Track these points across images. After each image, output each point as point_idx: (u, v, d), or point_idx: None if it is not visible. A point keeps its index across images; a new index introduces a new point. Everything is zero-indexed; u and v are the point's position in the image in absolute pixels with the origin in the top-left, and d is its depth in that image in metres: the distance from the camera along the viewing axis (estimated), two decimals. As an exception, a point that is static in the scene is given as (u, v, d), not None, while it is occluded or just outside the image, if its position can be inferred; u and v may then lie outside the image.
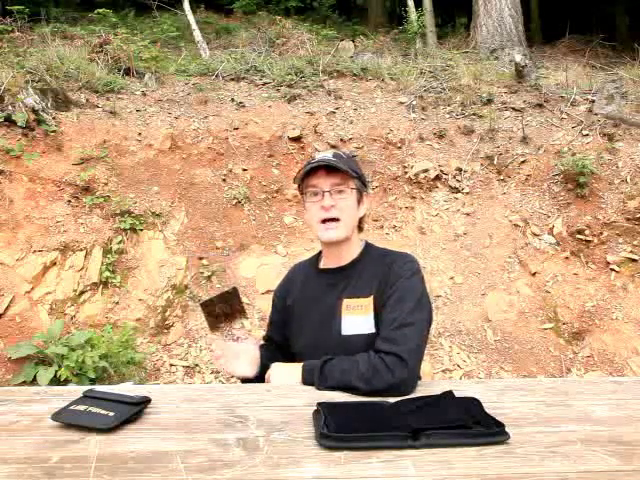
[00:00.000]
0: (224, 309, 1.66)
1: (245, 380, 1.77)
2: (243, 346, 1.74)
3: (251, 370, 1.73)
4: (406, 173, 5.78)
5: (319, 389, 1.47)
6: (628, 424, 1.19)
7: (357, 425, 1.15)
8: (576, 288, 4.85)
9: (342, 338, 1.63)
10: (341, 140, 5.98)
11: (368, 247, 1.79)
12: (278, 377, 1.60)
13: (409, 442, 1.09)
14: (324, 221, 1.66)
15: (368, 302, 1.65)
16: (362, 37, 9.15)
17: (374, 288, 1.65)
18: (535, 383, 1.71)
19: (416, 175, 5.72)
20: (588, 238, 5.07)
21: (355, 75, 7.12)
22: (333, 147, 5.88)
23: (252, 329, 4.44)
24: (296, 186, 1.76)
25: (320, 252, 1.85)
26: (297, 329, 1.79)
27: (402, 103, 6.52)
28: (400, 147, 5.98)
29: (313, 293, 1.76)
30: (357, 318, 1.64)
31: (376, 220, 5.49)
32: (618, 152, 5.57)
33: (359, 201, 1.73)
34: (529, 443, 1.10)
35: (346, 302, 1.67)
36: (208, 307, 1.66)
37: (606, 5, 11.48)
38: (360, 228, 1.79)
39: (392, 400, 1.31)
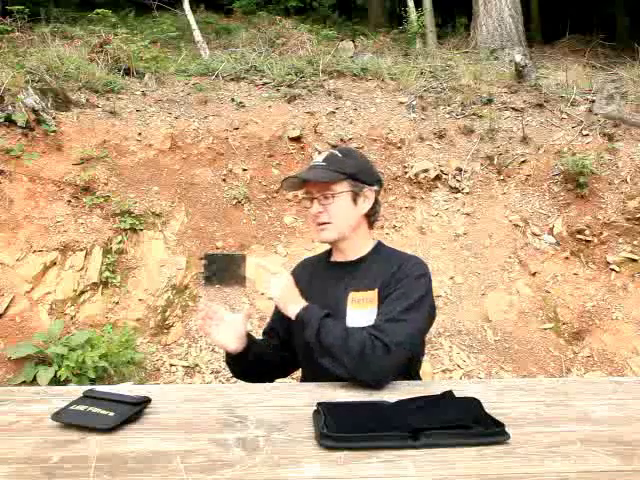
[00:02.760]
0: (225, 269, 1.69)
1: (227, 354, 1.75)
2: (231, 316, 1.72)
3: (232, 343, 1.70)
4: (406, 173, 5.78)
5: (307, 338, 1.52)
6: (628, 424, 1.19)
7: (357, 425, 1.15)
8: (576, 288, 4.85)
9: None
10: (341, 140, 5.98)
11: (379, 246, 1.81)
12: (277, 288, 1.63)
13: (409, 442, 1.09)
14: (318, 224, 1.72)
15: (373, 295, 1.65)
16: (362, 37, 9.15)
17: (379, 282, 1.67)
18: (535, 383, 1.71)
19: (416, 175, 5.72)
20: (588, 238, 5.07)
21: (355, 75, 7.12)
22: (334, 147, 5.89)
23: (252, 329, 4.44)
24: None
25: (331, 248, 1.88)
26: None
27: (402, 103, 6.52)
28: (400, 147, 5.98)
29: (320, 285, 1.77)
30: (362, 311, 1.65)
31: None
32: (618, 152, 5.57)
33: (355, 200, 1.72)
34: (529, 443, 1.10)
35: (352, 295, 1.68)
36: (211, 261, 1.69)
37: (606, 5, 11.48)
38: (370, 224, 1.79)
39: (392, 400, 1.31)
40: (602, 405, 1.30)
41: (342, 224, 1.71)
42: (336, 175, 1.68)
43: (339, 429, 1.12)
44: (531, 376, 4.25)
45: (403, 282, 1.62)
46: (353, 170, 1.72)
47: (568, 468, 1.00)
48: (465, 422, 1.12)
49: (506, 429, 1.11)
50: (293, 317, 1.59)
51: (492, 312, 4.75)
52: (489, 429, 1.11)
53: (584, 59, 8.07)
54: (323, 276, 1.80)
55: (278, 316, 1.86)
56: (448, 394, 1.30)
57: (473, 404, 1.23)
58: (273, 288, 1.64)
